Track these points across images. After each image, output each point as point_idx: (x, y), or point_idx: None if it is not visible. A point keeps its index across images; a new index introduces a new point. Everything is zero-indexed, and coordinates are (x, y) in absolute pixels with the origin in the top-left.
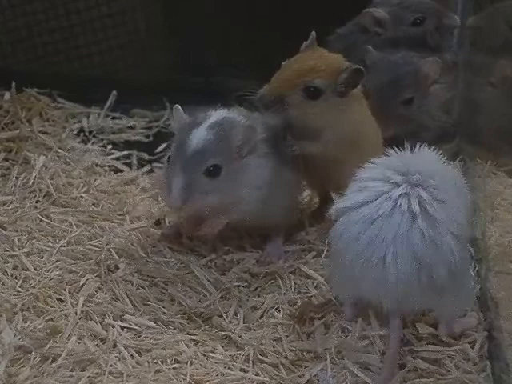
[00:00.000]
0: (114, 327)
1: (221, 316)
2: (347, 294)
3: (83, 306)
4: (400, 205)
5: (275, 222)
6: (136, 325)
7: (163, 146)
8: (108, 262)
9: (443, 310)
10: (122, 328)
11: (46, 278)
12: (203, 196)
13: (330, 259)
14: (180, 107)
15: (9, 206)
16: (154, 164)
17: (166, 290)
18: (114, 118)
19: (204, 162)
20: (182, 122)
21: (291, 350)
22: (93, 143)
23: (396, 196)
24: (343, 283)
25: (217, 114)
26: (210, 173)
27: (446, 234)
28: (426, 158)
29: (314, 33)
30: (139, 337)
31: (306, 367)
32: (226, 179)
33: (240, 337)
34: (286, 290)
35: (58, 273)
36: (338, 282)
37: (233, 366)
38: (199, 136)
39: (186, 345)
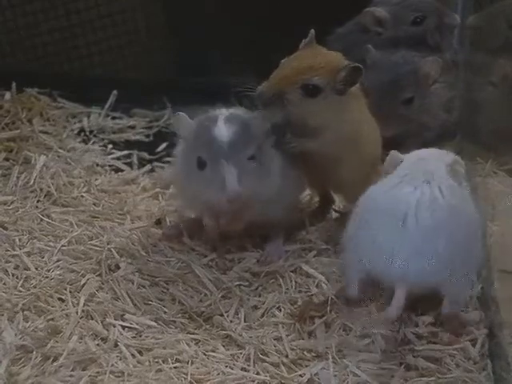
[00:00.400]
0: (114, 327)
1: (222, 315)
2: (358, 268)
3: (84, 305)
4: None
5: (277, 221)
6: (137, 324)
7: (164, 145)
8: (109, 262)
9: (451, 284)
10: (123, 327)
11: (46, 277)
12: (253, 180)
13: (347, 231)
14: (184, 114)
15: (9, 205)
16: (155, 163)
17: (167, 290)
18: (114, 118)
19: (246, 148)
20: (190, 126)
21: (292, 349)
22: (93, 143)
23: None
24: (357, 255)
25: (222, 111)
26: (251, 157)
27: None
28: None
29: (312, 31)
30: (140, 336)
31: (306, 366)
32: (260, 163)
33: (241, 336)
34: (287, 289)
35: (58, 272)
36: (351, 255)
37: (234, 365)
38: (226, 129)
39: (187, 344)
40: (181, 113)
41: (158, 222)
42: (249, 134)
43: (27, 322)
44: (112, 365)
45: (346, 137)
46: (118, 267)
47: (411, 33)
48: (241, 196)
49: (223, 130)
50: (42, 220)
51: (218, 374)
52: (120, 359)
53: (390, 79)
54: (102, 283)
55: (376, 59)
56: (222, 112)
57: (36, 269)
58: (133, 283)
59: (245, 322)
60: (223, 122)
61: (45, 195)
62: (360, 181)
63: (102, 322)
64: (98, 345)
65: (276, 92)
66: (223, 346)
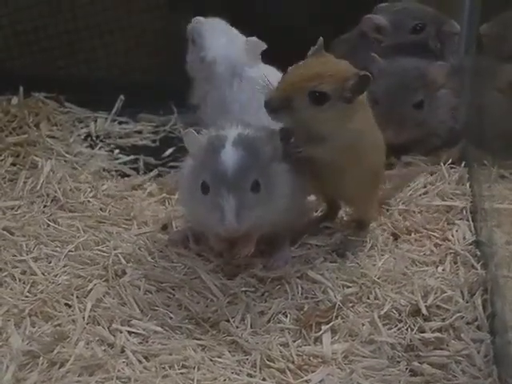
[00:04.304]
0: (121, 332)
1: (228, 321)
2: None
3: (91, 311)
4: None
5: (283, 228)
6: (143, 330)
7: (170, 150)
8: (115, 267)
9: None
10: (130, 333)
11: (53, 283)
12: (254, 213)
13: None
14: (193, 131)
15: (17, 210)
16: (161, 168)
17: (174, 295)
18: (121, 123)
19: (247, 179)
20: (199, 145)
21: (298, 355)
22: (100, 148)
23: None
24: None
25: (231, 132)
26: (254, 189)
27: None
28: None
29: (321, 38)
30: (147, 342)
31: (312, 372)
32: (265, 191)
33: (247, 342)
34: (293, 294)
35: (65, 278)
36: None
37: (240, 371)
38: (231, 156)
39: (194, 350)
40: (191, 129)
41: (165, 228)
42: (255, 159)
43: (34, 327)
44: (119, 370)
45: (351, 145)
46: (124, 273)
47: (411, 40)
48: (239, 230)
49: (229, 157)
50: (48, 225)
51: (225, 379)
52: (127, 365)
53: (400, 84)
54: (109, 289)
55: (382, 67)
56: (231, 133)
57: (43, 274)
58: (139, 289)
59: (251, 327)
60: (230, 148)
61: (51, 200)
62: (364, 190)
63: (108, 328)
64: (104, 350)
65: (284, 98)
66: (229, 352)
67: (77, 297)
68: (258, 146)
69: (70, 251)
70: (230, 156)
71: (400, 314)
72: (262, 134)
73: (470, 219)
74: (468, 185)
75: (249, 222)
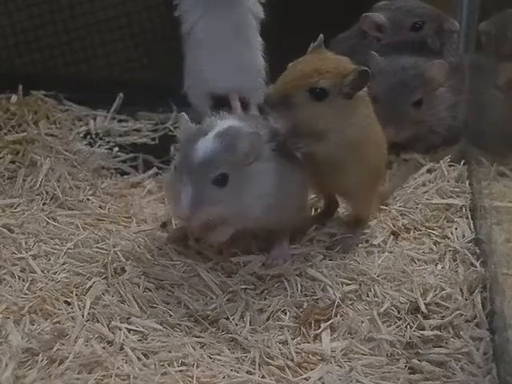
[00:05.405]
0: (120, 330)
1: (227, 318)
2: None
3: (90, 308)
4: None
5: (284, 225)
6: (143, 327)
7: (170, 148)
8: (115, 265)
9: None
10: (129, 330)
11: (53, 280)
12: (212, 206)
13: None
14: (185, 115)
15: (16, 208)
16: (161, 166)
17: (173, 293)
18: (120, 121)
19: (212, 171)
20: (188, 130)
21: (297, 353)
22: (99, 146)
23: None
24: None
25: (222, 123)
26: (217, 182)
27: None
28: None
29: (321, 35)
30: (146, 339)
31: (312, 370)
32: (233, 188)
33: (246, 339)
34: (293, 292)
35: (65, 275)
36: None
37: (239, 368)
38: (206, 145)
39: (193, 347)
40: (184, 114)
41: (164, 225)
42: (230, 154)
43: (33, 324)
44: (118, 368)
45: (351, 141)
46: (123, 270)
47: (411, 38)
48: (190, 219)
49: (200, 147)
50: (48, 223)
51: (224, 377)
52: (126, 362)
53: (399, 83)
54: (108, 286)
55: (381, 65)
56: (219, 124)
57: (42, 272)
58: (138, 286)
59: (250, 325)
60: (206, 138)
61: (51, 198)
62: (364, 187)
63: (107, 325)
64: (103, 348)
65: (283, 95)
66: (229, 350)
67: (76, 294)
68: (240, 141)
69: (69, 249)
70: (204, 145)
71: (399, 312)
72: (249, 130)
73: (470, 217)
74: (467, 183)
75: (205, 213)
